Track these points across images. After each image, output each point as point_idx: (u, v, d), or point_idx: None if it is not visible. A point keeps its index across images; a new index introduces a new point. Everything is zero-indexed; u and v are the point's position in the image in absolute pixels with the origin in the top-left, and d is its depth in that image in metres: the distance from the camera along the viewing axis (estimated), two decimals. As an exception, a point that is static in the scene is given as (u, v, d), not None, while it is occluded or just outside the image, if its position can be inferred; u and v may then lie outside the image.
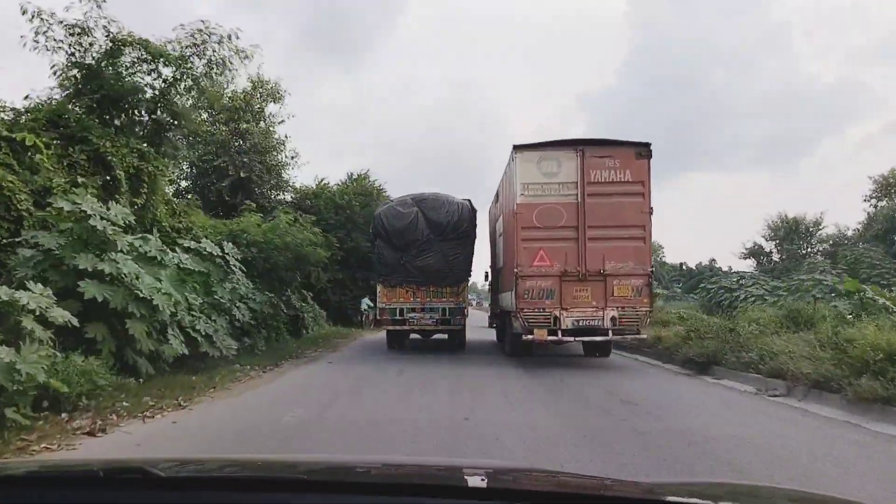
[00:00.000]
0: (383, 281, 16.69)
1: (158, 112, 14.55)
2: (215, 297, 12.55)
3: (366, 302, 27.57)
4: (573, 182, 12.68)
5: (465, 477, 1.83)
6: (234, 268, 13.97)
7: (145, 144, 14.02)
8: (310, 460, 2.44)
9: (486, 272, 22.63)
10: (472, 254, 17.14)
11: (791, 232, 45.68)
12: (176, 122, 15.06)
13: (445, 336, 17.94)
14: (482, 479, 1.78)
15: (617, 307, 12.43)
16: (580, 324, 12.48)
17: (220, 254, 13.21)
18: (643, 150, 12.65)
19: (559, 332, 12.48)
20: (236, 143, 26.53)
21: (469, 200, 17.51)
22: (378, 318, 17.89)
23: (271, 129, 28.44)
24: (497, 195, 17.60)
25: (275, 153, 27.77)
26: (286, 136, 29.11)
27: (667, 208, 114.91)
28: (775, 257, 47.02)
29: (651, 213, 12.59)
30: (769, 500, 1.82)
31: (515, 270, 12.67)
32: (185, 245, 12.47)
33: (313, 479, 1.58)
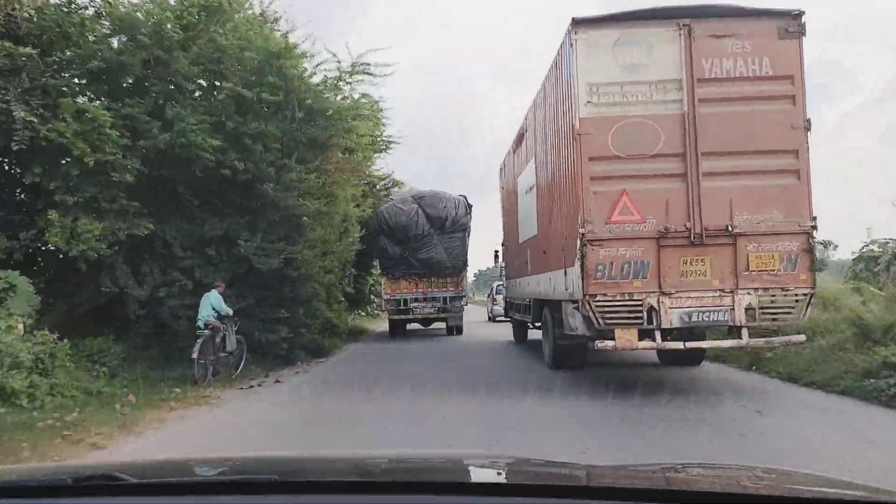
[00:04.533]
0: (387, 274, 17.64)
1: None
2: None
3: (211, 303, 10.19)
4: (675, 80, 7.51)
5: (471, 470, 1.81)
6: None
7: None
8: (296, 457, 2.21)
9: (497, 251, 17.52)
10: (468, 245, 17.98)
11: None
12: None
13: (443, 325, 18.76)
14: (493, 473, 1.76)
15: (756, 289, 7.32)
16: (693, 318, 7.33)
17: None
18: (791, 24, 7.50)
19: (657, 334, 7.35)
20: None
21: (464, 196, 18.15)
22: (382, 308, 19.15)
23: None
24: (521, 135, 12.41)
25: None
26: None
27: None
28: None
29: (808, 129, 7.47)
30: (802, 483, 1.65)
31: (581, 231, 7.47)
32: None
33: (285, 479, 1.49)
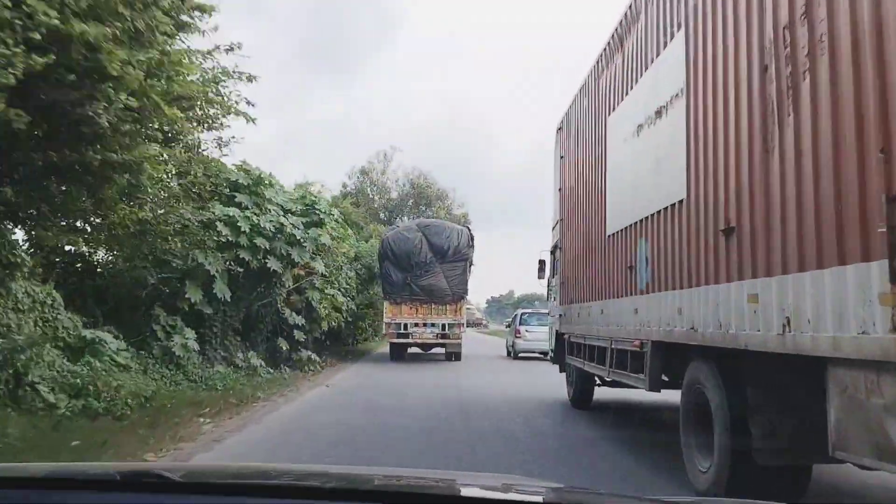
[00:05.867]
0: (390, 298, 18.07)
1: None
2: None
3: None
4: None
5: (461, 488, 1.75)
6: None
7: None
8: (322, 471, 2.07)
9: (542, 261, 11.75)
10: (469, 274, 18.59)
11: None
12: None
13: (442, 350, 18.86)
14: (481, 490, 1.71)
15: None
16: None
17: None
18: None
19: None
20: None
21: (468, 227, 19.88)
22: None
23: None
24: (622, 33, 6.67)
25: None
26: None
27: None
28: None
29: None
30: None
31: None
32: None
33: (326, 486, 1.56)
